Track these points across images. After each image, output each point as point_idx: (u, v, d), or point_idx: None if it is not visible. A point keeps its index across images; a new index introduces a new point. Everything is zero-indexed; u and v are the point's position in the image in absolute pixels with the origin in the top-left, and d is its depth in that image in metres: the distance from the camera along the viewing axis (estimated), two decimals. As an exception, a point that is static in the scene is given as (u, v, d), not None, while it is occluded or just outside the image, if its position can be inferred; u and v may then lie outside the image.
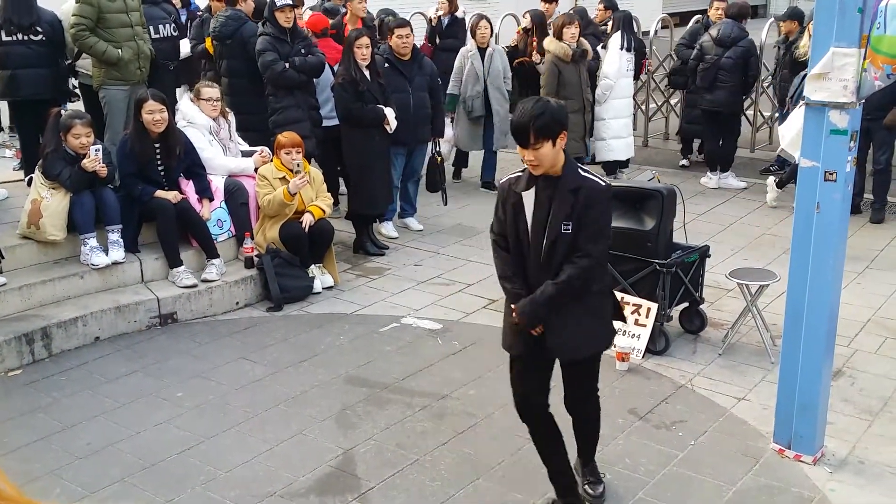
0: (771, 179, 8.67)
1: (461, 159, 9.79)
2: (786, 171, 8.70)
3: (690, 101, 9.88)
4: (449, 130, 8.90)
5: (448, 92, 8.90)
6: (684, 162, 10.24)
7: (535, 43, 9.31)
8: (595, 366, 3.90)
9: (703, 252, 5.89)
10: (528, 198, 3.62)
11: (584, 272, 3.57)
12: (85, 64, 7.16)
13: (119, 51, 6.78)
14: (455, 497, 4.11)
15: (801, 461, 4.34)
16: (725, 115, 9.18)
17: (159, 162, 6.36)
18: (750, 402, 4.98)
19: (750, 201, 8.82)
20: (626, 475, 4.24)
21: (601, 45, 9.41)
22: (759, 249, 7.46)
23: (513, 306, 3.70)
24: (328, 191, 7.14)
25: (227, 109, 7.11)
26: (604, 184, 3.63)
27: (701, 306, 5.88)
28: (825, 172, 4.08)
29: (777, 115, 10.22)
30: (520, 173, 3.70)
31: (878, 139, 7.97)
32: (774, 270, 5.81)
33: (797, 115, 4.47)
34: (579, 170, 3.64)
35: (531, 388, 3.84)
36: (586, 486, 4.04)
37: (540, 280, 3.62)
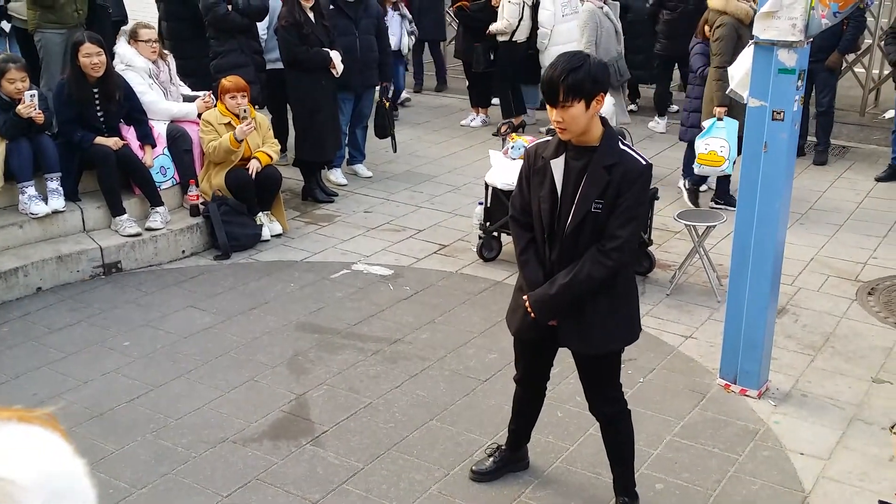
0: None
1: None
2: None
3: (631, 47, 9.86)
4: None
5: None
6: (632, 107, 10.26)
7: None
8: (612, 364, 3.49)
9: (652, 195, 5.93)
10: (557, 166, 3.21)
11: (610, 271, 3.17)
12: (18, 7, 6.88)
13: (54, -8, 6.52)
14: (408, 439, 4.13)
15: (747, 396, 4.44)
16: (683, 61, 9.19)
17: (98, 107, 6.16)
18: (697, 339, 5.07)
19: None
20: (577, 412, 4.30)
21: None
22: (706, 192, 7.54)
23: (525, 297, 3.34)
24: (276, 136, 7.01)
25: (166, 52, 6.89)
26: (645, 162, 3.19)
27: (649, 248, 5.94)
28: (773, 112, 4.12)
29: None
30: (549, 137, 3.30)
31: (820, 81, 8.06)
32: (721, 212, 5.88)
33: (746, 54, 4.48)
34: (619, 143, 3.20)
35: (534, 370, 3.69)
36: None
37: (561, 262, 3.25)
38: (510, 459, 3.91)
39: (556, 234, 3.26)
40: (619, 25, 8.03)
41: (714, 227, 5.64)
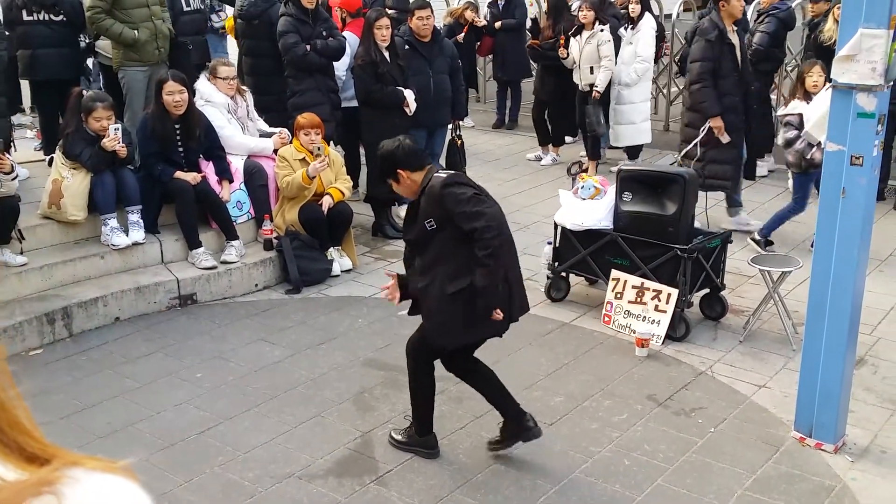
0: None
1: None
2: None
3: None
4: None
5: None
6: (706, 147, 10.12)
7: (551, 28, 9.23)
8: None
9: (725, 238, 5.84)
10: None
11: (489, 246, 3.83)
12: (104, 45, 7.17)
13: (135, 32, 6.77)
14: (472, 481, 4.11)
15: (822, 450, 4.30)
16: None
17: (179, 143, 6.36)
18: (771, 389, 4.94)
19: (772, 187, 8.71)
20: (644, 461, 4.22)
21: (623, 27, 9.28)
22: (780, 235, 7.37)
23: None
24: (348, 173, 7.12)
25: (244, 87, 7.09)
26: (444, 176, 3.97)
27: (722, 293, 5.83)
28: (851, 156, 4.03)
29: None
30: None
31: None
32: (797, 257, 5.75)
33: (823, 97, 4.40)
34: (433, 176, 3.98)
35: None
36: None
37: (421, 266, 4.06)
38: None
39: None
40: None
41: (789, 272, 5.51)
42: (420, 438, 4.32)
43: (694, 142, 7.07)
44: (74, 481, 0.71)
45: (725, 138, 6.99)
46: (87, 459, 0.77)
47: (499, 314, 3.96)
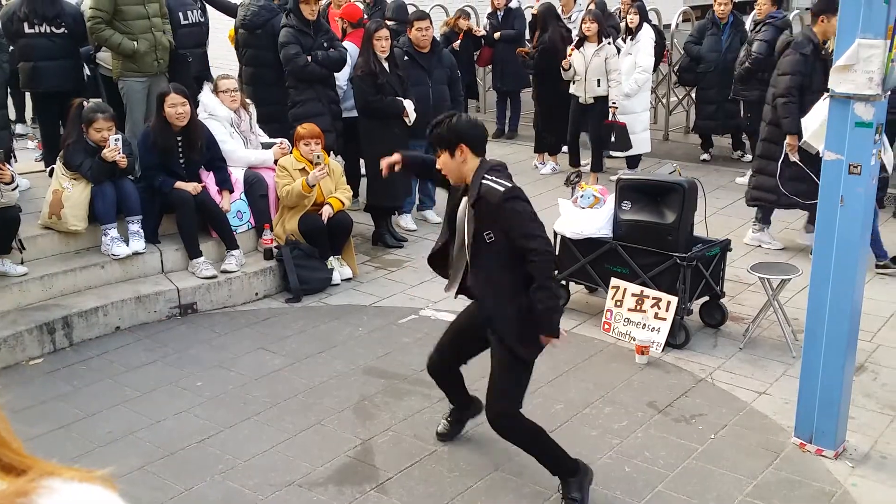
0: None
1: None
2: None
3: (703, 97, 9.81)
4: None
5: None
6: (705, 156, 10.16)
7: (537, 38, 9.28)
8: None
9: (725, 246, 5.85)
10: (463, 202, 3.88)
11: (542, 268, 3.69)
12: (105, 56, 7.20)
13: (135, 43, 6.80)
14: (473, 488, 4.11)
15: (823, 456, 4.30)
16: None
17: (181, 154, 6.38)
18: (771, 396, 4.94)
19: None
20: (645, 468, 4.22)
21: (621, 37, 9.32)
22: (782, 243, 7.38)
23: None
24: (348, 183, 7.14)
25: (248, 101, 7.11)
26: (502, 189, 3.65)
27: (721, 300, 5.84)
28: (849, 165, 4.04)
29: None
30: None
31: None
32: (796, 265, 5.76)
33: (820, 107, 4.42)
34: (483, 178, 3.70)
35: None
36: None
37: (472, 280, 3.88)
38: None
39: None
40: None
41: (789, 280, 5.52)
42: (575, 478, 3.89)
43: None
44: (51, 491, 0.71)
45: (795, 157, 6.79)
46: (65, 469, 0.77)
47: (557, 341, 3.87)
